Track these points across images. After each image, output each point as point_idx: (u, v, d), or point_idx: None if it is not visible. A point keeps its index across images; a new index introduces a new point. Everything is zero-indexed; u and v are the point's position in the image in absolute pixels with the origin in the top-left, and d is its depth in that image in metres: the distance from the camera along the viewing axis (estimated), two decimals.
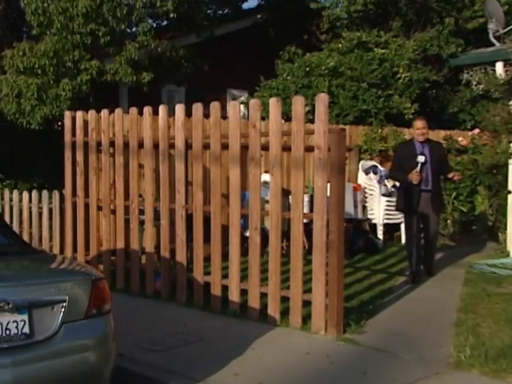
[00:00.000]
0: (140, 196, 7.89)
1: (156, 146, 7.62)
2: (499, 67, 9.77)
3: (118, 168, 8.02)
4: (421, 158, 8.16)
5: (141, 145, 7.79)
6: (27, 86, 10.56)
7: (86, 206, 8.39)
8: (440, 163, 8.45)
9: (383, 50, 13.91)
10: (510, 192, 9.77)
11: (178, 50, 12.30)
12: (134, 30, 11.94)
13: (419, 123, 8.47)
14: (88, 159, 8.34)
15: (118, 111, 8.12)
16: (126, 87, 12.06)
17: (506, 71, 8.89)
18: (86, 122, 8.36)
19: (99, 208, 8.34)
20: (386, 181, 11.23)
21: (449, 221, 11.69)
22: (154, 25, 12.49)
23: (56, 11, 10.80)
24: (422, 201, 8.29)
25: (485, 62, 10.03)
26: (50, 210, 9.31)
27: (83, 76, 10.97)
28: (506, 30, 10.30)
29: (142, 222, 7.83)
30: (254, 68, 13.91)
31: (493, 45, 10.65)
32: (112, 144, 8.11)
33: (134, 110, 7.91)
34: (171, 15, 11.90)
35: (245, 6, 15.72)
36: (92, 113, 8.31)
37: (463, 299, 7.46)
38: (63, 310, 4.05)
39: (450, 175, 8.67)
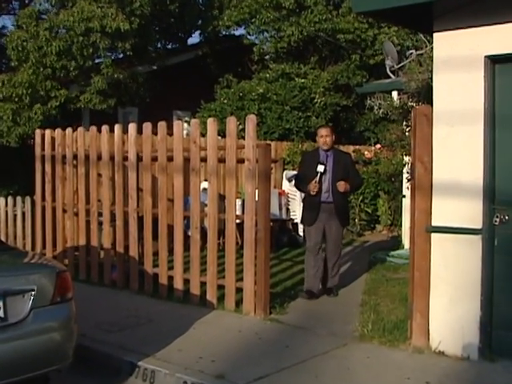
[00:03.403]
0: (99, 201, 7.79)
1: (112, 158, 7.54)
2: (394, 95, 10.00)
3: (80, 177, 7.88)
4: (320, 168, 6.62)
5: (99, 157, 7.70)
6: (4, 110, 10.58)
7: (54, 209, 8.22)
8: (345, 174, 6.78)
9: (303, 80, 14.11)
10: (404, 196, 9.97)
11: (136, 78, 12.34)
12: (97, 62, 11.95)
13: (323, 130, 6.91)
14: (55, 170, 8.18)
15: (80, 129, 8.00)
16: (88, 109, 12.00)
17: (400, 98, 9.11)
18: (53, 139, 8.19)
19: (64, 211, 8.16)
20: None
21: (356, 220, 11.89)
22: (113, 57, 12.47)
23: (32, 48, 10.80)
24: (323, 212, 6.70)
25: (384, 91, 10.25)
26: (23, 213, 9.10)
27: (53, 102, 10.99)
28: (398, 65, 10.57)
29: (100, 223, 7.71)
30: (197, 93, 13.89)
31: (389, 77, 10.91)
32: (75, 157, 7.97)
33: (93, 128, 7.82)
34: (128, 53, 11.96)
35: (190, 40, 15.63)
36: (58, 131, 8.15)
37: (367, 284, 7.58)
38: (32, 297, 3.99)
39: (339, 185, 6.67)
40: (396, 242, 10.58)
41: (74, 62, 11.17)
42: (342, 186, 6.66)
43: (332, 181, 6.72)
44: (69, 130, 8.03)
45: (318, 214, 6.74)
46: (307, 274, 6.90)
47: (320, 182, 6.66)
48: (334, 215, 6.75)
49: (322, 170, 6.64)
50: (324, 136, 6.82)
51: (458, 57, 4.69)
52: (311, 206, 6.82)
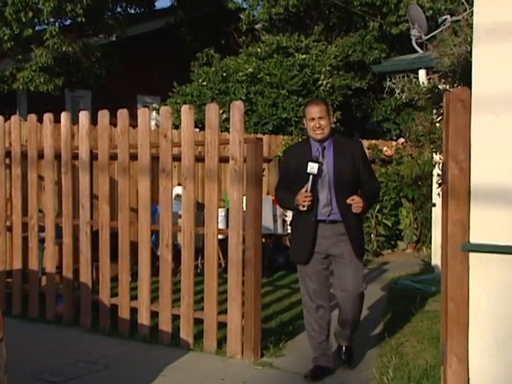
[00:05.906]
0: (40, 211, 7.76)
1: (58, 156, 7.51)
2: (422, 75, 10.01)
3: (15, 180, 7.83)
4: (312, 167, 5.25)
5: (41, 155, 7.65)
6: None
7: None
8: (355, 174, 5.45)
9: (304, 56, 14.15)
10: (434, 205, 9.95)
11: (89, 51, 12.29)
12: (38, 30, 11.90)
13: (313, 109, 5.40)
14: None
15: (15, 119, 7.96)
16: (26, 92, 11.94)
17: (429, 79, 9.12)
18: None
19: None
20: None
21: (372, 235, 11.89)
22: (59, 24, 12.42)
23: None
24: (324, 239, 5.38)
25: (408, 70, 10.27)
26: None
27: None
28: (428, 36, 10.55)
29: (42, 240, 7.67)
30: (169, 72, 13.94)
31: (416, 51, 10.91)
32: (8, 154, 7.93)
33: (32, 118, 7.75)
34: (79, 19, 11.91)
35: (158, 4, 15.65)
36: None
37: (387, 318, 7.57)
38: None
39: (350, 200, 5.23)
40: (424, 264, 10.58)
41: (7, 29, 11.11)
42: (357, 204, 5.28)
43: (335, 186, 5.38)
44: None
45: (313, 243, 5.42)
46: (309, 336, 5.75)
47: (313, 190, 5.33)
48: (345, 241, 5.41)
49: (315, 172, 5.28)
50: (316, 118, 5.38)
51: (507, 23, 4.64)
52: (302, 229, 5.49)
